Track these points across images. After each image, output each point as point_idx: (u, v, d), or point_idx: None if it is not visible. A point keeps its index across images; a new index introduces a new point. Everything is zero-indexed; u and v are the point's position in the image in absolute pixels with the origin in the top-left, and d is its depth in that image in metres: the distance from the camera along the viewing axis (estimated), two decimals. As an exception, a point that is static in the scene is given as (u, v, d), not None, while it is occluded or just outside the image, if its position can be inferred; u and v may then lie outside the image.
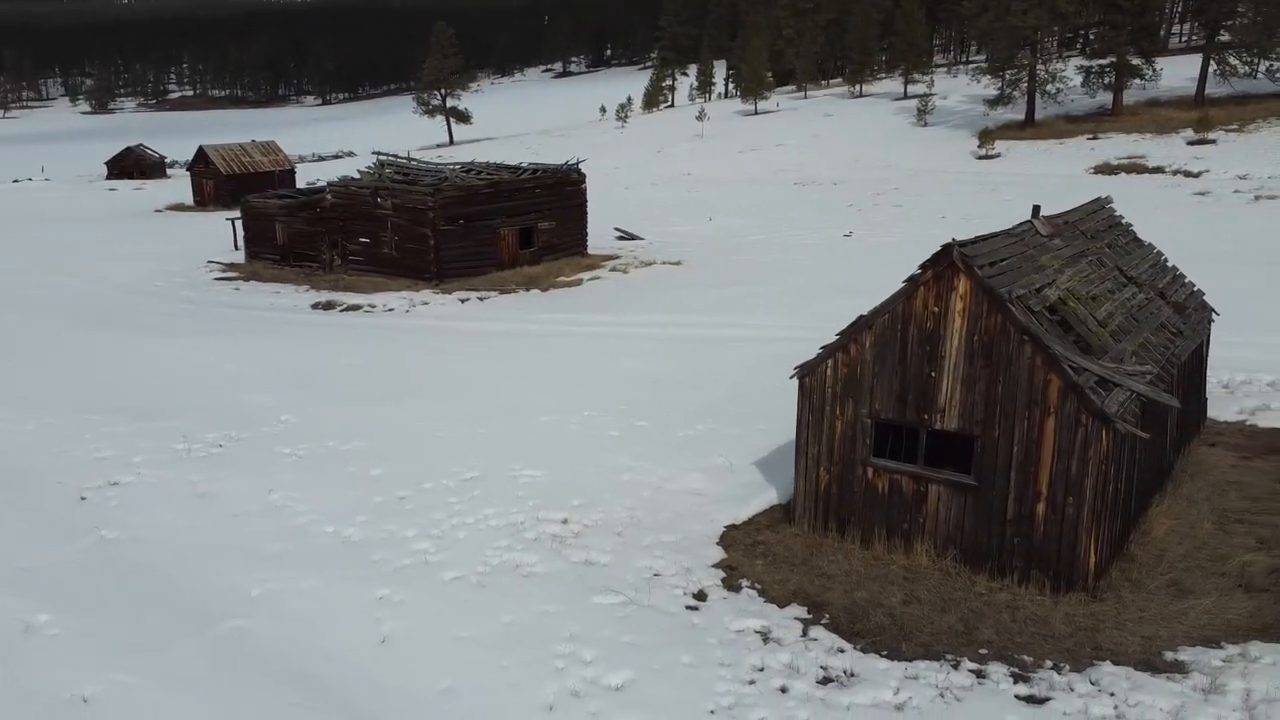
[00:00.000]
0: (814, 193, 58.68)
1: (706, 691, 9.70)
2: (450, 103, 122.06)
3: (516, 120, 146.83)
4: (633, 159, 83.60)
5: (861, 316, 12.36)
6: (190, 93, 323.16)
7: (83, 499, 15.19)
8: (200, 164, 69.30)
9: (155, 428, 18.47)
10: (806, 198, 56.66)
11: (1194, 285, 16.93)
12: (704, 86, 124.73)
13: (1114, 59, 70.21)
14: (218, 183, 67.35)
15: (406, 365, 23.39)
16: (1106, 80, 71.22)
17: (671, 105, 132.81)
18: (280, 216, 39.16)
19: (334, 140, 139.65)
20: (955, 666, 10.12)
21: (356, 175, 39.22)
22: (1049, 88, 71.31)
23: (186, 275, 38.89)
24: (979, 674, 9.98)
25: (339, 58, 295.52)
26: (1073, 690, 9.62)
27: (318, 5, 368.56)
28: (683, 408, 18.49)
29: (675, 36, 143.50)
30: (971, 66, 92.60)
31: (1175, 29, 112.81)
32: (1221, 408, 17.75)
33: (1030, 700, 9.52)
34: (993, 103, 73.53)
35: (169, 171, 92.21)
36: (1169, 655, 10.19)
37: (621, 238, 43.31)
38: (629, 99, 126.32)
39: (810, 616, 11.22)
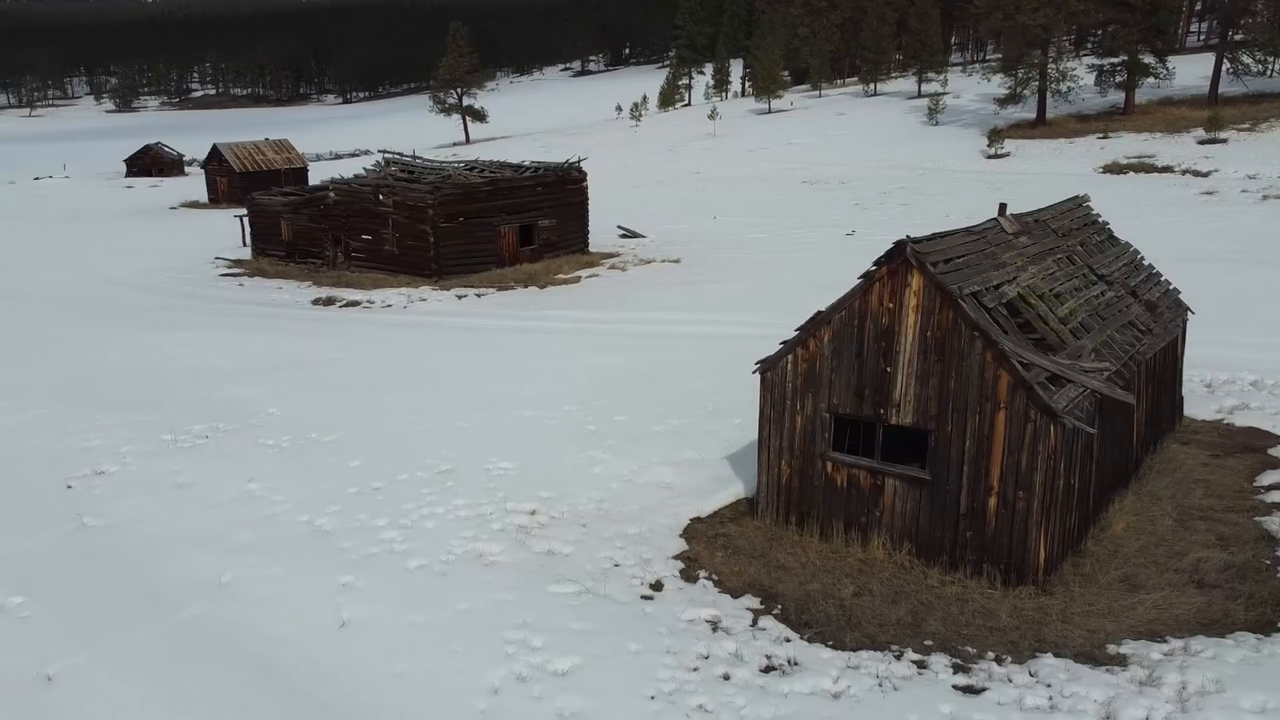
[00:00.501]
0: (821, 191, 58.65)
1: (649, 678, 9.86)
2: (466, 101, 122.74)
3: (533, 119, 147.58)
4: (643, 157, 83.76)
5: (820, 312, 12.49)
6: (213, 91, 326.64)
7: (69, 487, 15.58)
8: (214, 162, 70.13)
9: (145, 419, 18.85)
10: (812, 196, 56.63)
11: (1170, 284, 16.92)
12: (720, 85, 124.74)
13: (1125, 58, 69.65)
14: (231, 180, 68.14)
15: (397, 360, 23.69)
16: (1118, 79, 70.58)
17: (688, 104, 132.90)
18: (285, 213, 39.65)
19: (353, 138, 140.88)
20: (898, 657, 10.24)
21: (363, 172, 39.63)
22: (1060, 87, 70.66)
23: (193, 271, 39.45)
24: (920, 664, 10.11)
25: (360, 56, 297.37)
26: (1011, 681, 9.72)
27: (340, 4, 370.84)
28: (660, 402, 18.65)
29: (691, 35, 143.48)
30: (983, 65, 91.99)
31: (1195, 26, 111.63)
32: (1200, 406, 17.72)
33: (967, 690, 9.63)
34: (1003, 101, 72.92)
35: (186, 169, 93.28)
36: (1111, 648, 10.27)
37: (624, 236, 43.51)
38: (644, 97, 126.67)
39: (762, 607, 11.37)
